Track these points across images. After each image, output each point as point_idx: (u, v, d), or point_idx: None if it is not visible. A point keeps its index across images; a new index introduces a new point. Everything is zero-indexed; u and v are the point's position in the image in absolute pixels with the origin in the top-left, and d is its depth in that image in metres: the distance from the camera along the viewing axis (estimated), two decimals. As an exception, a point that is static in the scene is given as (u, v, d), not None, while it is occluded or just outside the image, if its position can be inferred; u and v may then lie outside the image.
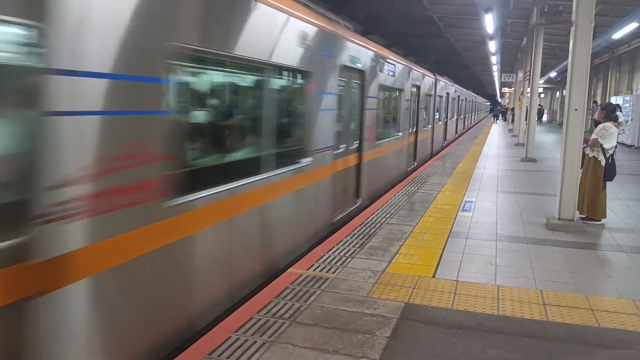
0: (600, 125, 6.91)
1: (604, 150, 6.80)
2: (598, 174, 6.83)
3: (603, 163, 6.81)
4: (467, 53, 29.60)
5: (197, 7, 3.72)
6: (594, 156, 6.87)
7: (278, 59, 4.96)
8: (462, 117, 27.85)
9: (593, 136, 6.89)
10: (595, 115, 7.30)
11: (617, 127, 7.01)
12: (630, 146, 20.06)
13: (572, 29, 6.48)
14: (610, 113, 7.04)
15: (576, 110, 6.55)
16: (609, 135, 6.79)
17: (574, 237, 6.31)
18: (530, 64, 16.14)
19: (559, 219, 6.70)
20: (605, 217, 6.93)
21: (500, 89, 49.17)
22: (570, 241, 6.12)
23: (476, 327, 3.69)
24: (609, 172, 6.83)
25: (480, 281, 4.64)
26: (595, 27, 6.57)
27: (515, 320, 3.84)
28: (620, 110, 7.41)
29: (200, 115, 4.25)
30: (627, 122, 20.40)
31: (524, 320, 3.83)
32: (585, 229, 6.61)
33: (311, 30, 5.76)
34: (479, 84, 57.22)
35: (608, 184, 7.02)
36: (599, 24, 6.64)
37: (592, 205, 6.89)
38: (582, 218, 6.86)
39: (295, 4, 5.48)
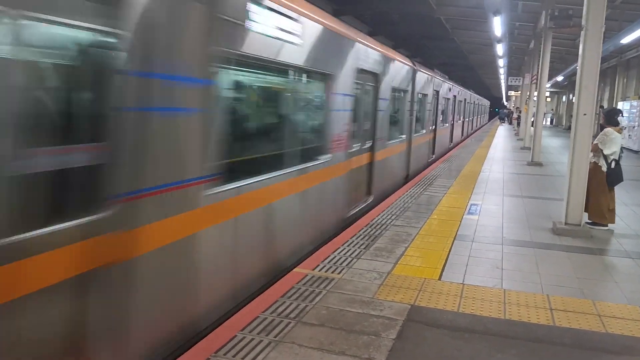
0: (602, 131, 6.90)
1: (605, 156, 6.77)
2: (598, 179, 6.80)
3: (604, 168, 6.78)
4: (473, 55, 29.53)
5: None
6: (594, 161, 6.85)
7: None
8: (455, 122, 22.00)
9: (594, 142, 6.87)
10: (601, 120, 7.29)
11: (620, 133, 6.96)
12: (636, 152, 19.96)
13: (582, 33, 6.46)
14: (610, 118, 7.01)
15: (585, 114, 6.52)
16: (610, 141, 6.76)
17: (580, 242, 6.29)
18: (538, 68, 16.09)
19: (565, 223, 6.67)
20: (613, 222, 6.90)
21: (507, 92, 49.05)
22: (576, 246, 6.10)
23: (482, 331, 3.68)
24: (612, 177, 6.78)
25: (487, 285, 4.63)
26: (604, 32, 6.54)
27: (521, 324, 3.82)
28: (622, 115, 7.15)
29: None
30: (633, 127, 20.30)
31: (531, 325, 3.82)
32: (592, 234, 6.58)
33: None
34: (485, 86, 57.10)
35: (614, 189, 6.98)
36: (607, 28, 6.60)
37: (594, 210, 6.86)
38: (588, 223, 6.83)
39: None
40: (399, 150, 10.53)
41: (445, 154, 17.67)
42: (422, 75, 12.59)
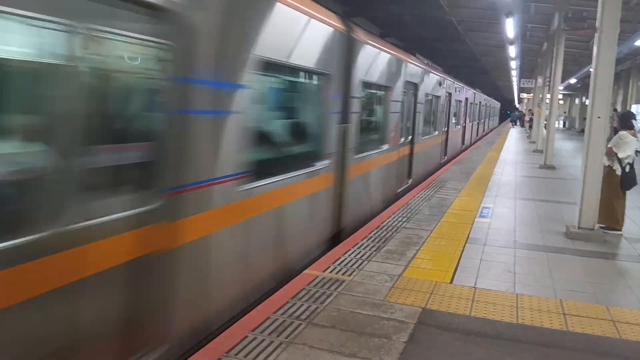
0: (617, 134, 6.85)
1: (619, 160, 6.71)
2: (613, 182, 6.74)
3: (618, 172, 6.71)
4: (485, 58, 29.38)
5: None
6: (609, 165, 6.79)
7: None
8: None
9: (609, 145, 6.81)
10: (616, 123, 7.25)
11: (635, 136, 6.90)
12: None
13: (596, 35, 6.40)
14: (625, 121, 6.96)
15: (599, 117, 6.47)
16: (624, 145, 6.70)
17: (593, 246, 6.22)
18: (551, 70, 15.96)
19: (578, 227, 6.60)
20: (622, 227, 6.83)
21: (519, 95, 48.73)
22: (590, 250, 6.03)
23: (495, 335, 3.65)
24: (626, 181, 6.73)
25: (499, 289, 4.59)
26: (618, 34, 6.48)
27: (534, 329, 3.79)
28: (635, 119, 6.83)
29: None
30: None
31: (544, 330, 3.78)
32: (605, 238, 6.51)
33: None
34: (497, 89, 56.78)
35: (628, 193, 6.91)
36: (621, 30, 6.54)
37: (608, 214, 6.78)
38: (602, 227, 6.76)
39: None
40: (300, 192, 5.30)
41: (434, 172, 12.93)
42: (375, 54, 7.44)
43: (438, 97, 13.57)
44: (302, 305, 4.01)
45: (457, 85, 17.45)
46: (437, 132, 13.92)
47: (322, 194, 5.93)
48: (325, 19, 5.71)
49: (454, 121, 17.51)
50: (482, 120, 31.90)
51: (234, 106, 3.88)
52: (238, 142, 3.95)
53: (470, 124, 23.64)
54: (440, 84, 13.66)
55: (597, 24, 6.42)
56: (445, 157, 15.69)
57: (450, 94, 15.67)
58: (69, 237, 2.58)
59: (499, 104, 50.36)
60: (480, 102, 27.98)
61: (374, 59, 7.45)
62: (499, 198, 9.18)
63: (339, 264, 5.03)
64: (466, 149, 21.14)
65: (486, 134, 33.38)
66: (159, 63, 3.20)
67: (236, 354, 3.21)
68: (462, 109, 19.87)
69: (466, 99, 20.48)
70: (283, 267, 4.95)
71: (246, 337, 3.44)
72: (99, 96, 2.82)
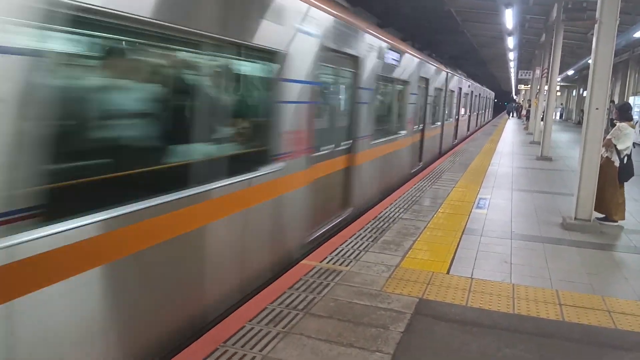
0: (616, 126, 6.85)
1: (618, 151, 6.71)
2: (610, 174, 6.74)
3: (617, 164, 6.72)
4: (484, 49, 29.29)
5: None
6: (607, 156, 6.79)
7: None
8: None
9: (607, 136, 6.81)
10: (614, 115, 7.26)
11: (633, 128, 6.90)
12: (647, 147, 19.73)
13: (596, 26, 6.37)
14: (624, 113, 6.96)
15: (597, 109, 6.46)
16: (624, 136, 6.70)
17: (590, 237, 6.24)
18: (549, 61, 15.92)
19: (575, 218, 6.62)
20: (623, 219, 6.83)
21: (517, 86, 48.71)
22: (586, 241, 6.05)
23: (491, 325, 3.67)
24: (624, 172, 6.74)
25: (495, 279, 4.61)
26: (617, 25, 6.45)
27: (530, 319, 3.81)
28: (630, 111, 6.72)
29: None
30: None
31: (540, 320, 3.80)
32: (602, 229, 6.53)
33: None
34: (495, 80, 56.74)
35: (625, 185, 6.93)
36: (620, 22, 6.52)
37: (604, 205, 6.79)
38: (598, 219, 6.78)
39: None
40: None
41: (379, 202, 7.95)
42: None
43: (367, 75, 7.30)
44: (300, 295, 4.01)
45: (410, 62, 10.26)
46: (369, 141, 7.67)
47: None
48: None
49: (419, 121, 11.68)
50: (471, 115, 24.99)
51: None
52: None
53: (449, 120, 17.15)
54: (373, 48, 7.52)
55: (597, 14, 6.39)
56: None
57: (394, 64, 8.89)
58: None
59: (493, 93, 44.11)
60: (461, 89, 19.58)
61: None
62: (496, 189, 9.19)
63: (336, 255, 5.03)
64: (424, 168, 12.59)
65: (470, 135, 24.98)
66: None
67: (233, 344, 3.22)
68: (436, 102, 14.11)
69: (429, 78, 12.58)
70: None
71: (243, 327, 3.44)
72: None
